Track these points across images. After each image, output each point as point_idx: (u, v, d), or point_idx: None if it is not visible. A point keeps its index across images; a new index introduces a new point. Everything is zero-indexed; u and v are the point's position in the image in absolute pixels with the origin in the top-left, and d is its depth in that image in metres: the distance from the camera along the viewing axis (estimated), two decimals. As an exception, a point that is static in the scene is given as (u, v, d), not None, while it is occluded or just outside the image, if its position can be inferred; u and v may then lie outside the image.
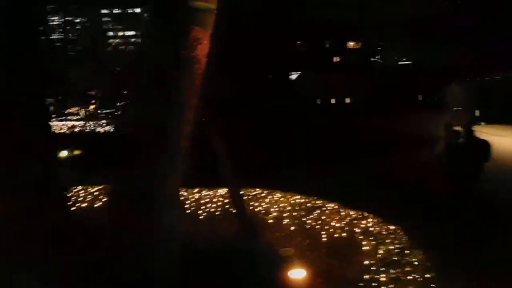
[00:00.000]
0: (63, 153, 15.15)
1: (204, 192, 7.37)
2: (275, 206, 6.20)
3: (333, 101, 23.05)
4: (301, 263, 4.69)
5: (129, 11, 36.36)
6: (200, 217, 6.58)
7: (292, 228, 5.54)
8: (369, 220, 5.05)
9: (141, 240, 3.48)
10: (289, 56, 20.75)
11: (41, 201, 3.60)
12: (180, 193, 3.97)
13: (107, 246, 3.56)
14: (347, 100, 23.18)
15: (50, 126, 4.06)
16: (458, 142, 5.36)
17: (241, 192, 6.35)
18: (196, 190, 7.41)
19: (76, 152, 15.33)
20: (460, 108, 22.47)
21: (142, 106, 3.50)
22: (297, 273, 4.03)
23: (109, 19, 41.55)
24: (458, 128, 5.76)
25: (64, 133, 22.44)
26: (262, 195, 6.79)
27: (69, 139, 18.67)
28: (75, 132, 23.93)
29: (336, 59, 23.60)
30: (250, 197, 6.78)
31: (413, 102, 21.50)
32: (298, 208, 5.98)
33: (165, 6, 3.30)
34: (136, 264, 3.45)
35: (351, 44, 24.42)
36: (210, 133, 5.74)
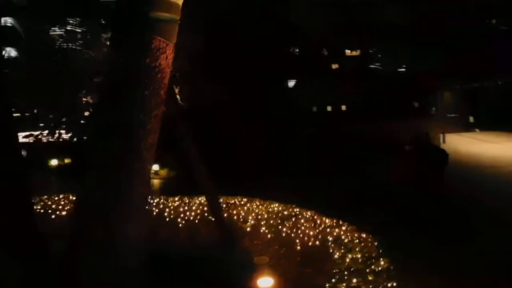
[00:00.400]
0: (54, 162, 15.19)
1: (185, 200, 7.38)
2: (252, 214, 6.21)
3: (329, 108, 22.97)
4: (272, 271, 4.71)
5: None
6: (180, 225, 6.59)
7: (269, 235, 5.57)
8: (343, 228, 5.07)
9: (102, 250, 3.49)
10: (284, 62, 20.79)
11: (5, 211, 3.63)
12: (149, 201, 3.95)
13: (68, 256, 3.56)
14: (343, 108, 22.98)
15: (15, 136, 4.08)
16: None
17: (219, 200, 6.39)
18: (176, 197, 7.42)
19: (66, 161, 15.34)
20: (454, 115, 22.58)
21: (105, 115, 3.53)
22: (265, 281, 4.04)
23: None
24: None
25: (56, 141, 22.29)
26: (241, 202, 6.79)
27: (60, 148, 18.57)
28: (66, 140, 23.76)
29: (333, 66, 23.58)
30: (229, 204, 6.79)
31: (408, 109, 21.56)
32: (275, 216, 6.00)
33: (123, 16, 3.33)
34: (95, 274, 3.46)
35: (349, 51, 24.39)
36: (184, 141, 5.78)
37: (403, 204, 7.01)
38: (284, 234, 5.39)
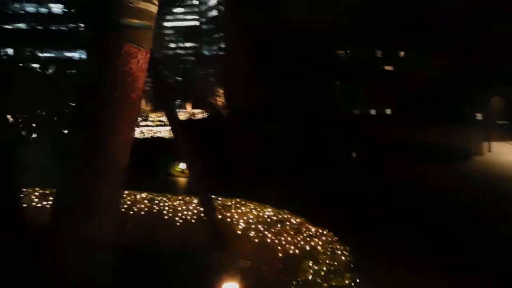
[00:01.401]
0: None
1: (187, 199, 7.52)
2: (244, 217, 6.25)
3: (372, 112, 22.04)
4: (250, 276, 4.75)
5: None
6: (177, 224, 6.73)
7: (256, 240, 5.58)
8: (324, 238, 4.99)
9: (69, 244, 3.67)
10: (329, 64, 19.97)
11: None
12: (120, 200, 4.10)
13: (42, 248, 3.77)
14: (388, 111, 21.85)
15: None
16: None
17: (212, 201, 6.48)
18: (179, 196, 7.58)
19: None
20: (503, 122, 21.10)
21: (77, 115, 3.71)
22: (230, 286, 4.08)
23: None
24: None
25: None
26: (237, 205, 6.84)
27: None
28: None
29: (382, 67, 22.37)
30: (226, 206, 6.86)
31: (452, 114, 20.30)
32: (266, 220, 6.01)
33: (96, 22, 3.49)
34: (61, 268, 3.64)
35: (401, 52, 23.16)
36: (180, 144, 5.92)
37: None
38: (269, 240, 5.39)
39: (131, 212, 7.16)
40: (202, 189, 6.12)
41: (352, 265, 4.12)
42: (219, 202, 7.14)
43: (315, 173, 12.27)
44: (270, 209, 6.44)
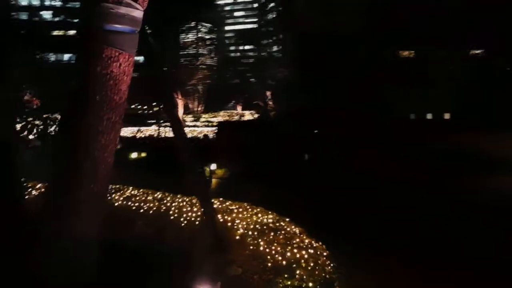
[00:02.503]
0: (133, 155, 16.85)
1: (193, 200, 7.60)
2: (244, 223, 6.21)
3: (429, 116, 20.80)
4: (234, 282, 4.71)
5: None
6: (181, 225, 6.82)
7: (252, 247, 5.52)
8: (317, 251, 4.84)
9: (55, 240, 3.81)
10: (384, 65, 18.89)
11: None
12: (105, 198, 4.18)
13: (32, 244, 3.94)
14: (446, 116, 20.44)
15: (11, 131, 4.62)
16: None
17: (212, 205, 6.48)
18: (185, 197, 7.68)
19: (142, 155, 16.88)
20: None
21: (63, 115, 3.87)
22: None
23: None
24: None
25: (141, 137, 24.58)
26: (240, 209, 6.82)
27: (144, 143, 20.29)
28: (151, 136, 25.85)
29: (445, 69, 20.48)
30: (230, 210, 6.86)
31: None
32: (263, 227, 5.93)
33: (80, 28, 3.61)
34: (48, 264, 3.78)
35: (474, 51, 21.28)
36: (181, 145, 5.99)
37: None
38: (262, 248, 5.31)
39: (141, 211, 7.38)
40: (202, 192, 6.14)
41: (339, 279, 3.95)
42: (224, 205, 7.18)
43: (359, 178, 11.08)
44: (271, 216, 6.36)
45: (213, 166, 13.83)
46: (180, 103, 34.78)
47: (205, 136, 25.15)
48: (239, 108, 42.04)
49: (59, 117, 4.36)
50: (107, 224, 6.49)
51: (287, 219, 6.18)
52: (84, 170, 3.77)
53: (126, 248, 5.54)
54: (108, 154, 3.94)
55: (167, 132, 28.21)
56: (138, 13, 3.73)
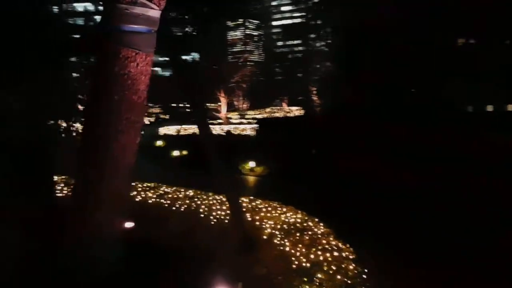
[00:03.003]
0: (175, 153, 17.33)
1: (223, 199, 7.60)
2: (271, 222, 6.11)
3: (489, 108, 18.81)
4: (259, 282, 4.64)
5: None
6: (210, 223, 6.84)
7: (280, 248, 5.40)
8: (343, 253, 4.64)
9: (79, 235, 3.94)
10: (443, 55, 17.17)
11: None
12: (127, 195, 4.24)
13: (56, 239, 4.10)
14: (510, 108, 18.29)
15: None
16: None
17: (240, 202, 6.44)
18: (215, 195, 7.70)
19: (184, 153, 17.27)
20: None
21: (85, 116, 3.97)
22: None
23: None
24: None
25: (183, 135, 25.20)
26: (268, 208, 6.72)
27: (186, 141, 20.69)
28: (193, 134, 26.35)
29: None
30: (259, 209, 6.79)
31: None
32: (291, 227, 5.80)
33: (98, 29, 3.68)
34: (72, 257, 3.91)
35: None
36: (207, 148, 5.99)
37: None
38: (288, 248, 5.19)
39: (173, 209, 7.51)
40: (229, 191, 6.12)
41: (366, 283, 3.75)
42: (253, 204, 7.13)
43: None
44: (300, 216, 6.22)
45: (252, 164, 13.85)
46: (223, 101, 35.12)
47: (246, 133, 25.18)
48: (284, 105, 41.73)
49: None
50: (139, 221, 6.72)
51: (316, 219, 6.01)
52: (104, 169, 3.85)
53: (154, 245, 5.65)
54: (128, 153, 3.99)
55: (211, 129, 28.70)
56: (154, 13, 3.73)
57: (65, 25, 4.42)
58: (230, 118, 38.48)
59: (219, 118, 35.95)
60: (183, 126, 28.51)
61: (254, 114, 40.53)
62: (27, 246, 4.18)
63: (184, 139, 21.52)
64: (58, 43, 4.36)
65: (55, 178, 8.39)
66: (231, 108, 39.49)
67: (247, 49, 43.99)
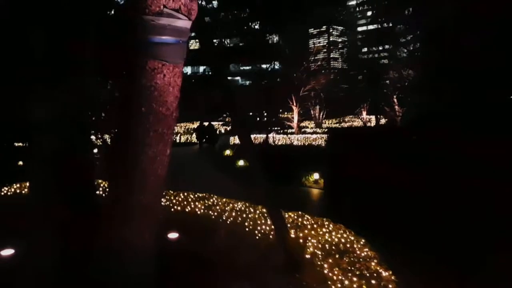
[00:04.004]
0: (240, 163, 17.55)
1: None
2: (314, 240, 5.71)
3: None
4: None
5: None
6: (255, 238, 6.61)
7: (318, 269, 5.01)
8: (382, 282, 4.10)
9: (109, 247, 3.96)
10: None
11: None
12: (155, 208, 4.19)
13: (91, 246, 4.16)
14: None
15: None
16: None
17: (283, 216, 6.12)
18: (262, 207, 7.45)
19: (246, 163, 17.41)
20: None
21: (114, 130, 4.00)
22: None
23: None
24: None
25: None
26: (314, 225, 6.31)
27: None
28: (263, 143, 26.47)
29: None
30: (305, 225, 6.42)
31: None
32: (332, 247, 5.35)
33: (122, 41, 3.69)
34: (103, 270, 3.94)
35: None
36: (249, 156, 5.80)
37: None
38: (327, 271, 4.77)
39: (220, 221, 7.43)
40: (271, 205, 5.85)
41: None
42: (301, 219, 6.77)
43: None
44: (346, 235, 5.74)
45: (316, 175, 13.44)
46: (295, 110, 34.73)
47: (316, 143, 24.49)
48: (364, 114, 40.19)
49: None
50: (184, 232, 6.71)
51: (363, 241, 5.50)
52: (132, 181, 3.85)
53: (193, 259, 5.56)
54: (157, 166, 3.96)
55: (282, 139, 28.53)
56: (182, 23, 3.67)
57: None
58: (306, 127, 37.92)
59: (291, 128, 35.58)
60: (255, 135, 28.75)
61: (332, 124, 39.44)
62: (61, 252, 4.30)
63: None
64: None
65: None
66: (306, 117, 39.04)
67: (326, 56, 43.29)
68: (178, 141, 33.67)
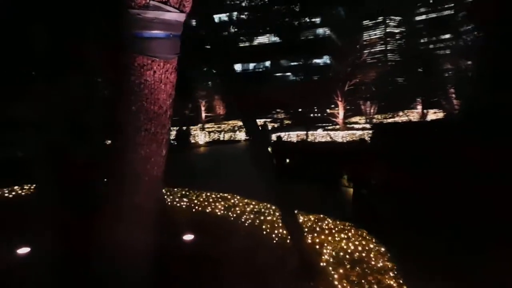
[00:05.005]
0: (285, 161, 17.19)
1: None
2: (330, 248, 5.32)
3: None
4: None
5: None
6: (272, 242, 6.33)
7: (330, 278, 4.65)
8: None
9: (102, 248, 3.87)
10: None
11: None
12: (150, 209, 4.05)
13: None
14: None
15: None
16: None
17: (297, 220, 5.79)
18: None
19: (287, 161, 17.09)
20: None
21: (113, 127, 3.89)
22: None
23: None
24: None
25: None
26: (333, 230, 5.90)
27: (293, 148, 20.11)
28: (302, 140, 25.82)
29: None
30: (323, 230, 6.03)
31: None
32: (346, 256, 4.94)
33: (112, 36, 3.56)
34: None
35: None
36: (257, 155, 5.52)
37: None
38: (337, 282, 4.40)
39: (238, 222, 7.23)
40: (284, 207, 5.55)
41: None
42: (320, 223, 6.38)
43: None
44: (365, 243, 5.30)
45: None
46: (341, 105, 33.51)
47: (361, 140, 23.40)
48: (419, 108, 37.99)
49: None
50: (200, 234, 6.57)
51: (382, 250, 5.04)
52: (124, 181, 3.73)
53: (206, 261, 5.39)
54: (152, 167, 3.80)
55: (325, 135, 27.68)
56: (172, 16, 3.47)
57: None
58: (356, 123, 36.55)
59: (336, 124, 34.39)
60: (299, 132, 28.18)
61: (385, 119, 37.68)
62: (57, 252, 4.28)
63: (291, 146, 20.86)
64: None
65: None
66: (355, 112, 37.73)
67: (383, 47, 41.64)
68: (222, 138, 33.93)
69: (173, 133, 28.10)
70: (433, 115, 34.69)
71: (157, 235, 4.14)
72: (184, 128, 29.13)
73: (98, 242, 3.85)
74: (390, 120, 36.55)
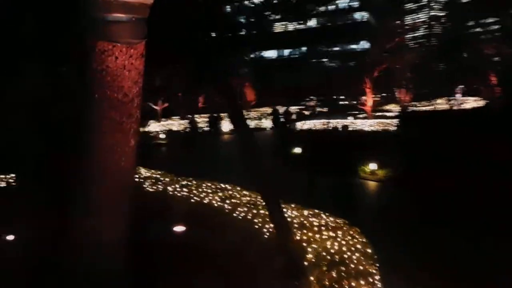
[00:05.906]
0: (297, 150, 16.69)
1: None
2: (316, 245, 5.09)
3: None
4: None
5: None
6: (264, 236, 6.14)
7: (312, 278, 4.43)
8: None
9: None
10: None
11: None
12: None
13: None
14: None
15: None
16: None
17: (284, 215, 5.57)
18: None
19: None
20: None
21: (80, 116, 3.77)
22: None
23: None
24: None
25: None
26: (322, 228, 5.65)
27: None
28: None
29: None
30: (312, 226, 5.80)
31: None
32: (327, 256, 4.69)
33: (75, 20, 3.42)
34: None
35: None
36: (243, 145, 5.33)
37: None
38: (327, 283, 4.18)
39: (233, 214, 7.09)
40: (270, 199, 5.34)
41: None
42: (313, 219, 6.15)
43: None
44: (353, 243, 5.03)
45: (373, 166, 11.77)
46: (369, 92, 31.99)
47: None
48: (458, 95, 36.19)
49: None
50: (193, 226, 6.46)
51: (370, 251, 4.76)
52: (89, 172, 3.62)
53: (192, 255, 5.26)
54: (118, 157, 3.66)
55: (350, 123, 26.71)
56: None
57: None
58: (389, 111, 34.89)
59: (364, 111, 32.92)
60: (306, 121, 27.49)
61: (420, 106, 35.96)
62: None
63: (310, 135, 20.10)
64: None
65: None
66: (389, 100, 36.32)
67: (427, 31, 39.45)
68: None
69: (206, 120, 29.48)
70: (474, 103, 32.79)
71: (127, 227, 4.05)
72: (215, 115, 29.39)
73: (66, 234, 3.77)
74: (416, 109, 34.39)
